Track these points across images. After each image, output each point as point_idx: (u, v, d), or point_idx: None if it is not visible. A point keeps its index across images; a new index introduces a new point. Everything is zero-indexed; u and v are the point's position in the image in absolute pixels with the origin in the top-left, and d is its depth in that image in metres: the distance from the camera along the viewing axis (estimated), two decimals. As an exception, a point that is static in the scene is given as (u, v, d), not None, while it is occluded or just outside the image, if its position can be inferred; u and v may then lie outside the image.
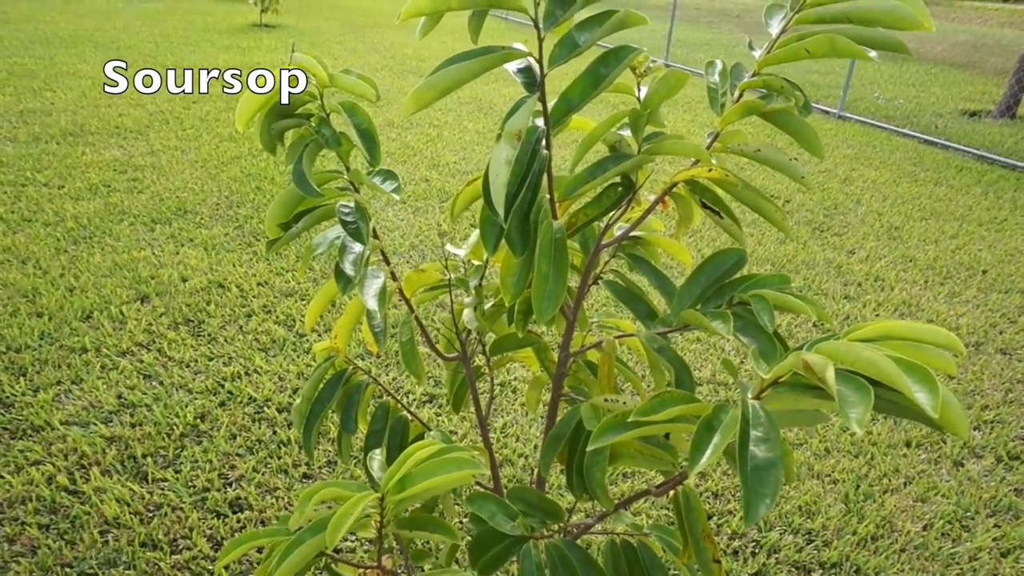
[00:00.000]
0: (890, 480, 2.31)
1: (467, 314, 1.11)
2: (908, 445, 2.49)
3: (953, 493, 2.27)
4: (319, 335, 2.95)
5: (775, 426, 0.71)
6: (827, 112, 7.98)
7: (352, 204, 0.99)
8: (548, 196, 0.94)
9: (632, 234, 1.15)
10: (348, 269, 0.96)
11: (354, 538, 1.96)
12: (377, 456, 1.13)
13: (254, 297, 3.17)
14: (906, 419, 0.70)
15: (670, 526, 1.12)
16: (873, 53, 0.85)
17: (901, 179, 5.60)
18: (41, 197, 4.16)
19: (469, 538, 1.00)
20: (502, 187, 0.83)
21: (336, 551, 1.89)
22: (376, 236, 1.02)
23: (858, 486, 2.27)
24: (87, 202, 4.13)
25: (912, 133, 7.06)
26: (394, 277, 1.08)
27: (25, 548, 1.86)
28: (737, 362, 2.96)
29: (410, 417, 1.20)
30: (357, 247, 0.97)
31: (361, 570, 0.91)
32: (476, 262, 1.19)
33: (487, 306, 1.19)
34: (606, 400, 0.92)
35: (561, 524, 1.00)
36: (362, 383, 1.17)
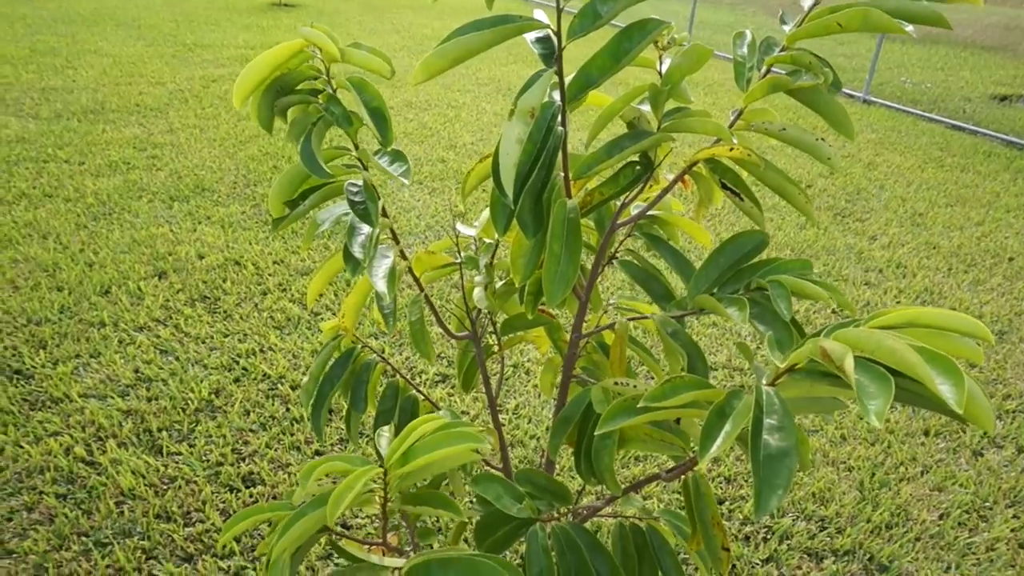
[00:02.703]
0: (907, 468, 2.27)
1: (477, 293, 1.10)
2: (926, 434, 2.45)
3: (971, 483, 2.23)
4: (332, 314, 2.95)
5: (790, 414, 0.68)
6: (852, 96, 7.82)
7: (360, 183, 0.97)
8: (563, 174, 0.92)
9: (650, 213, 1.12)
10: (357, 252, 0.94)
11: (364, 514, 1.97)
12: (385, 433, 1.12)
13: (270, 275, 3.18)
14: (927, 410, 0.68)
15: (681, 510, 1.10)
16: (910, 27, 0.81)
17: (927, 164, 5.48)
18: (62, 173, 4.19)
19: (477, 518, 0.99)
20: (512, 167, 0.80)
21: (346, 527, 1.90)
22: (385, 214, 1.01)
23: (873, 474, 2.24)
24: (107, 179, 4.16)
25: (939, 118, 6.90)
26: (404, 256, 1.06)
27: (43, 517, 1.89)
28: (754, 347, 2.93)
29: (420, 397, 1.19)
30: (366, 229, 0.95)
31: (366, 546, 0.91)
32: (488, 240, 1.17)
33: (498, 285, 1.17)
34: (616, 383, 0.90)
35: (569, 507, 0.99)
36: (371, 362, 1.16)
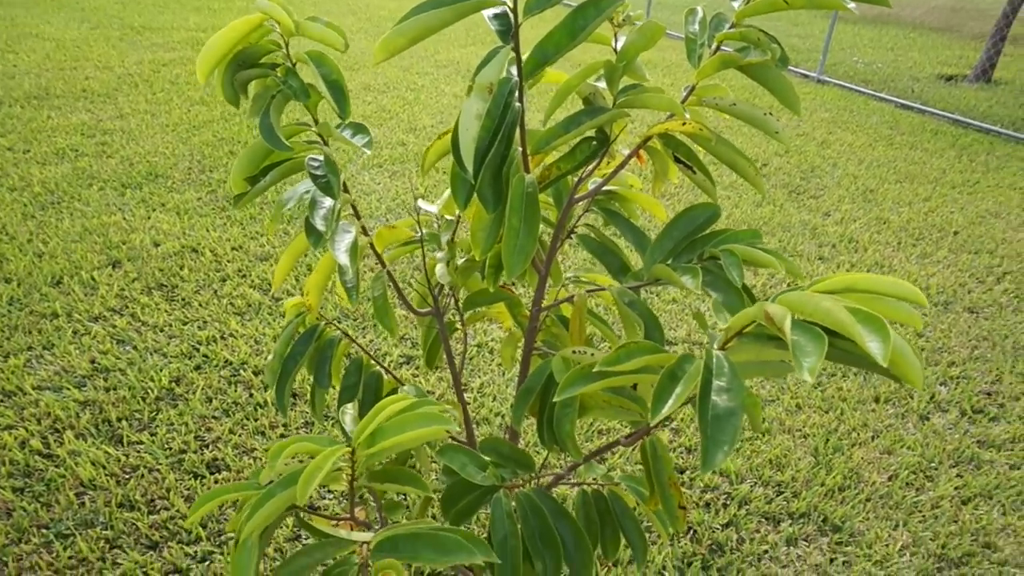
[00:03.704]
0: (858, 434, 2.37)
1: (439, 269, 1.11)
2: (877, 400, 2.55)
3: (918, 445, 2.33)
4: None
5: (738, 376, 0.72)
6: (806, 76, 7.97)
7: (321, 158, 0.97)
8: (521, 150, 0.93)
9: (607, 189, 1.15)
10: (319, 224, 0.94)
11: (328, 492, 1.97)
12: (350, 410, 1.13)
13: (228, 262, 3.14)
14: (860, 368, 0.72)
15: (642, 477, 1.14)
16: (852, 4, 0.84)
17: (877, 143, 5.63)
18: (5, 162, 4.05)
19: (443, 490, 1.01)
20: (472, 142, 0.81)
21: (312, 508, 1.91)
22: (346, 190, 1.01)
23: (827, 440, 2.32)
24: (54, 167, 4.03)
25: (889, 97, 7.09)
26: (365, 232, 1.07)
27: (0, 511, 1.85)
28: (712, 322, 3.00)
29: (384, 374, 1.21)
30: (328, 201, 0.96)
31: (334, 522, 0.92)
32: (449, 217, 1.18)
33: (460, 261, 1.18)
34: (575, 352, 0.93)
35: (533, 475, 1.01)
36: (334, 339, 1.17)
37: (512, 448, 1.01)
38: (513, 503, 0.95)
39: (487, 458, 0.97)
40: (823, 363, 0.61)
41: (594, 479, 1.17)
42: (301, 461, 0.89)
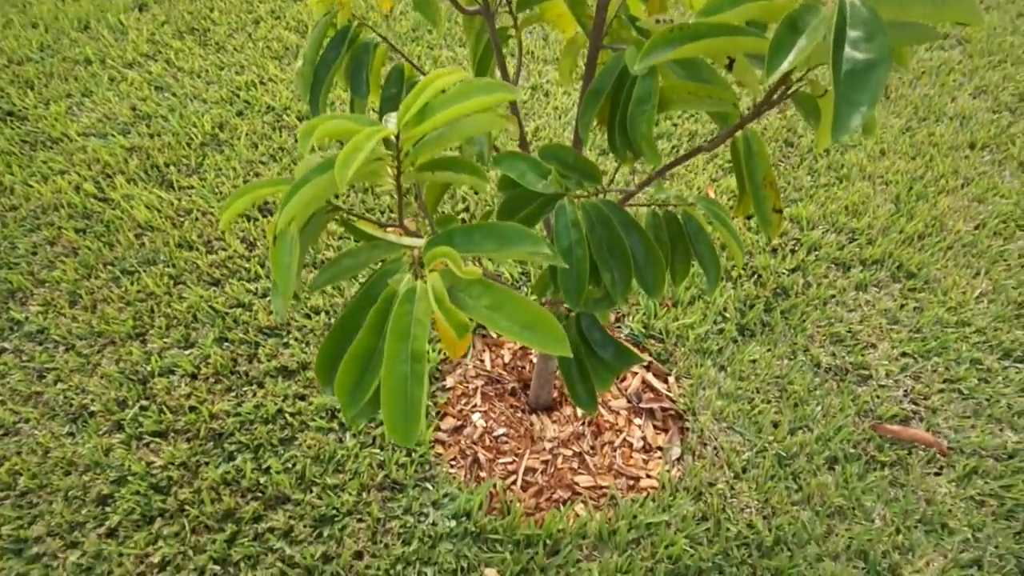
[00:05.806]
0: (947, 181, 2.17)
1: (489, -56, 0.91)
2: (972, 147, 2.31)
3: (1014, 193, 2.14)
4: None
5: (881, 24, 0.55)
6: None
7: None
8: None
9: None
10: None
11: (384, 215, 1.95)
12: (392, 118, 1.01)
13: (260, 2, 2.88)
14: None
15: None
16: None
17: None
18: None
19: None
20: None
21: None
22: None
23: (911, 187, 2.14)
24: (62, -100, 3.64)
25: None
26: None
27: (67, 250, 1.89)
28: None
29: (429, 85, 1.06)
30: None
31: (382, 228, 0.84)
32: None
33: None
34: (657, 21, 0.76)
35: (599, 187, 0.90)
36: (370, 42, 1.01)
37: (576, 156, 0.89)
38: (579, 212, 0.85)
39: (549, 166, 0.85)
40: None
41: (666, 199, 1.05)
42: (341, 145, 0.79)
